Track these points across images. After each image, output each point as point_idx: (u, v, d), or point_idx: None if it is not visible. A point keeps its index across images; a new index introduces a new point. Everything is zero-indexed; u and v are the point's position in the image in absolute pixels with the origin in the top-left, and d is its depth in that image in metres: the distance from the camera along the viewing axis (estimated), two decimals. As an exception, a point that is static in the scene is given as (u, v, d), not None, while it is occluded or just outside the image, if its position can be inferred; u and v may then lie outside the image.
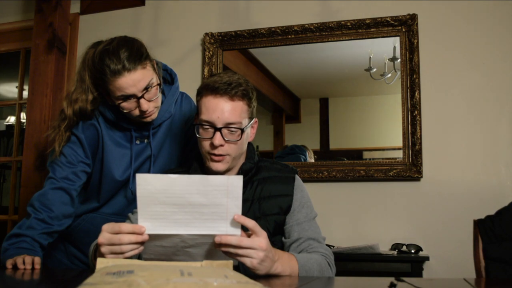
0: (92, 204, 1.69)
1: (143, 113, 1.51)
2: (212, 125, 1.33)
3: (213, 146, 1.34)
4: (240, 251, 1.06)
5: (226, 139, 1.33)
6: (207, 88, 1.34)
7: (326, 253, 1.35)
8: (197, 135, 1.37)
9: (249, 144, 1.48)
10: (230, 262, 0.98)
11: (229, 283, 0.72)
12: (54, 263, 1.72)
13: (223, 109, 1.32)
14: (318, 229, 1.42)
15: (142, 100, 1.48)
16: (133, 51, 1.47)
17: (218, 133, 1.32)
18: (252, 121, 1.41)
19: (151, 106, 1.51)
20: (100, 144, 1.63)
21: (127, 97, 1.47)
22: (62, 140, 1.59)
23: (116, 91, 1.47)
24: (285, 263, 1.18)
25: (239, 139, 1.35)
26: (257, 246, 1.06)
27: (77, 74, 1.59)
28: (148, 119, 1.55)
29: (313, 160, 2.77)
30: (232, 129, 1.33)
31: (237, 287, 0.72)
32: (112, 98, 1.51)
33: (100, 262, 0.92)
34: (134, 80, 1.45)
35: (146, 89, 1.48)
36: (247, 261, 1.07)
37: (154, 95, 1.51)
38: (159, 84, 1.53)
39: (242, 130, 1.35)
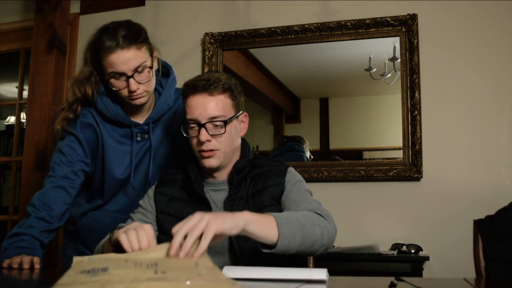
0: (97, 202, 1.72)
1: (131, 93, 1.53)
2: (196, 122, 1.35)
3: (201, 143, 1.35)
4: (194, 233, 0.97)
5: (211, 133, 1.35)
6: (187, 88, 1.38)
7: (316, 206, 1.29)
8: (185, 135, 1.39)
9: (244, 142, 1.49)
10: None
11: (201, 283, 0.71)
12: (68, 260, 1.74)
13: (204, 105, 1.34)
14: (315, 202, 1.35)
15: (131, 80, 1.50)
16: (131, 32, 1.51)
17: (203, 129, 1.34)
18: (238, 114, 1.41)
19: (141, 88, 1.53)
20: (99, 144, 1.64)
21: (117, 74, 1.51)
22: (62, 119, 1.61)
23: (108, 67, 1.50)
24: (251, 214, 1.09)
25: (224, 132, 1.35)
26: (192, 218, 0.99)
27: (83, 56, 1.63)
28: (137, 102, 1.57)
29: (309, 153, 2.78)
30: (216, 123, 1.35)
31: (211, 286, 0.71)
32: (105, 74, 1.54)
33: (76, 260, 0.90)
34: (126, 58, 1.48)
35: (137, 70, 1.50)
36: (208, 235, 0.97)
37: (145, 78, 1.53)
38: (151, 67, 1.55)
39: (226, 122, 1.35)
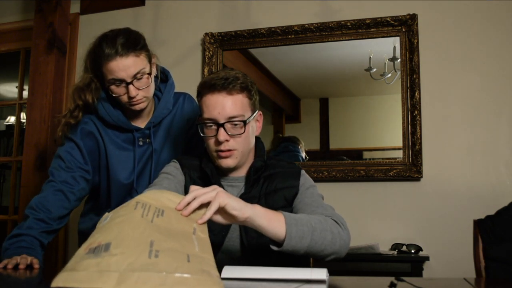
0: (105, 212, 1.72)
1: (131, 99, 1.56)
2: (215, 121, 1.33)
3: (219, 143, 1.33)
4: (201, 197, 1.03)
5: (230, 133, 1.33)
6: (205, 86, 1.35)
7: (332, 213, 1.28)
8: (202, 135, 1.37)
9: (259, 141, 1.48)
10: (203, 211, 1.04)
11: (187, 277, 0.78)
12: None
13: (223, 104, 1.32)
14: (329, 207, 1.34)
15: (130, 86, 1.53)
16: (130, 39, 1.53)
17: (221, 129, 1.32)
18: (255, 114, 1.40)
19: (140, 94, 1.56)
20: (101, 152, 1.67)
21: (117, 81, 1.53)
22: (63, 124, 1.64)
23: (108, 74, 1.53)
24: (261, 208, 1.13)
25: (243, 132, 1.34)
26: (208, 187, 1.07)
27: (83, 63, 1.65)
28: (136, 107, 1.59)
29: (304, 154, 2.78)
30: (235, 123, 1.33)
31: (191, 279, 0.78)
32: (105, 81, 1.57)
33: (104, 216, 1.01)
34: (125, 65, 1.51)
35: (136, 76, 1.53)
36: (213, 204, 1.03)
37: (144, 84, 1.56)
38: (149, 74, 1.57)
39: (245, 123, 1.34)
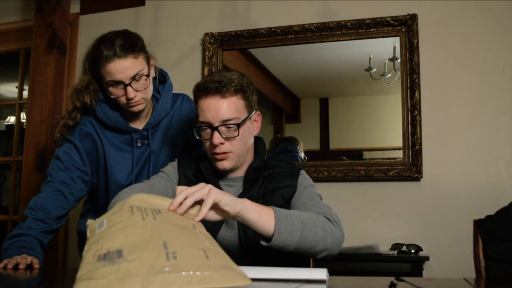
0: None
1: (129, 100, 1.56)
2: (209, 125, 1.34)
3: (214, 146, 1.34)
4: (194, 195, 1.04)
5: (224, 136, 1.33)
6: (199, 90, 1.36)
7: (326, 211, 1.28)
8: (198, 138, 1.38)
9: (261, 141, 1.48)
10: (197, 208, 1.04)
11: (210, 274, 0.76)
12: None
13: (216, 108, 1.32)
14: (325, 206, 1.34)
15: (129, 88, 1.54)
16: (128, 41, 1.54)
17: (216, 132, 1.33)
18: (252, 115, 1.40)
19: (138, 95, 1.56)
20: (100, 153, 1.67)
21: (115, 83, 1.54)
22: (62, 126, 1.65)
23: (106, 76, 1.54)
24: (250, 202, 1.13)
25: (238, 135, 1.34)
26: (196, 185, 1.07)
27: (82, 65, 1.66)
28: (134, 109, 1.60)
29: (303, 154, 2.78)
30: (230, 125, 1.33)
31: (216, 276, 0.77)
32: (104, 83, 1.57)
33: (90, 225, 0.98)
34: (123, 67, 1.51)
35: (134, 78, 1.53)
36: (208, 200, 1.04)
37: (143, 86, 1.56)
38: (147, 75, 1.57)
39: (239, 125, 1.34)
